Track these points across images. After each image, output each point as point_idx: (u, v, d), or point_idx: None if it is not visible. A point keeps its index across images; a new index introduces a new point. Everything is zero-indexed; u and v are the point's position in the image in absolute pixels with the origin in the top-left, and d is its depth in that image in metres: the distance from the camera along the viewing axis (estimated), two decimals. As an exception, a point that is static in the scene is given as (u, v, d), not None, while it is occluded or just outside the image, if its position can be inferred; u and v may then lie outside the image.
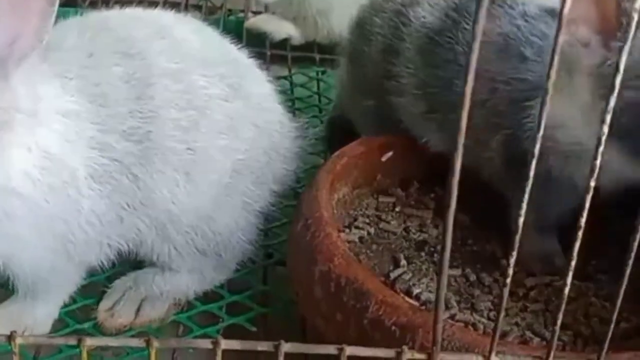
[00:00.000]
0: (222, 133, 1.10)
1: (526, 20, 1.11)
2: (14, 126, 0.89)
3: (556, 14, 0.63)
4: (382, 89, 1.25)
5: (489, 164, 1.12)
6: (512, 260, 0.73)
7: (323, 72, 1.91)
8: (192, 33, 1.16)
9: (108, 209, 1.01)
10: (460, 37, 1.14)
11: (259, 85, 1.23)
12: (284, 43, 2.08)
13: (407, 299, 0.99)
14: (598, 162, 0.68)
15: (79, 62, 1.01)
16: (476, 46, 0.63)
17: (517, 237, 0.71)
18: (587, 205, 0.70)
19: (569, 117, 1.00)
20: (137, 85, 1.03)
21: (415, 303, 1.00)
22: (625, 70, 0.63)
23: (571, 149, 1.02)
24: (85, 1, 2.22)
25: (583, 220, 0.70)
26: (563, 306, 0.75)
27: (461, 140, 0.66)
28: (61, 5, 0.96)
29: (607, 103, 0.64)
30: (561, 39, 0.65)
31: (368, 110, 1.32)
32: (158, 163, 1.03)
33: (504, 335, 0.96)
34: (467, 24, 1.12)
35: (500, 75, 1.09)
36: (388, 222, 1.20)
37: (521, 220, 0.70)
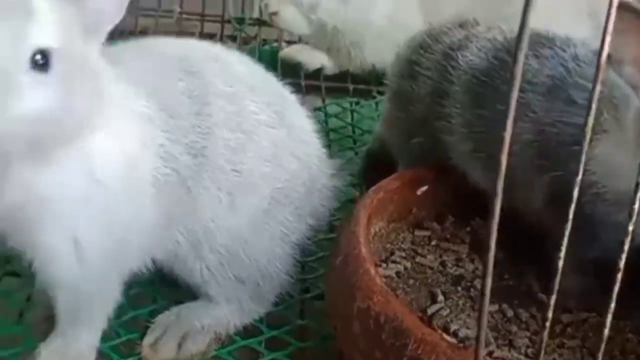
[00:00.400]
0: (266, 160, 1.12)
1: (577, 64, 1.11)
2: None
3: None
4: (430, 127, 1.27)
5: (530, 203, 1.12)
6: (552, 302, 0.74)
7: (357, 103, 1.94)
8: (239, 61, 1.20)
9: (161, 219, 1.04)
10: (506, 78, 1.15)
11: (299, 118, 1.26)
12: (317, 73, 2.11)
13: (445, 336, 1.00)
14: (636, 206, 0.69)
15: (145, 74, 1.05)
16: (515, 87, 0.64)
17: (557, 280, 0.72)
18: (626, 248, 0.71)
19: (619, 163, 0.99)
20: (197, 102, 1.07)
21: (454, 340, 1.01)
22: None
23: (621, 197, 1.00)
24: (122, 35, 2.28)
25: (622, 263, 0.71)
26: (602, 346, 0.75)
27: (500, 183, 0.67)
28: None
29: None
30: (601, 81, 0.66)
31: (413, 146, 1.34)
32: (207, 179, 1.06)
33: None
34: None
35: (547, 118, 1.09)
36: (424, 257, 1.21)
37: (561, 262, 0.72)
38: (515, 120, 0.65)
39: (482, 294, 0.70)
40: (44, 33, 0.87)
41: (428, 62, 1.31)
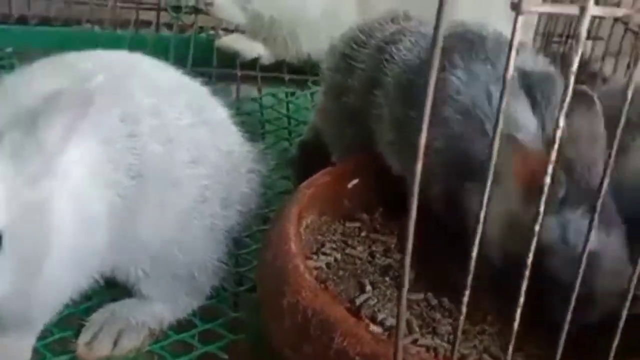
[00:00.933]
0: (191, 162, 1.15)
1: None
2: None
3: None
4: (362, 118, 1.31)
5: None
6: (465, 299, 0.79)
7: (292, 94, 1.96)
8: (153, 66, 1.22)
9: (112, 241, 1.07)
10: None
11: (215, 109, 1.28)
12: (253, 63, 2.13)
13: (371, 326, 1.04)
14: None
15: None
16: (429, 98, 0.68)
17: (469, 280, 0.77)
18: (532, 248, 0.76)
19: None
20: (129, 124, 1.08)
21: (380, 329, 1.05)
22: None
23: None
24: (57, 21, 2.25)
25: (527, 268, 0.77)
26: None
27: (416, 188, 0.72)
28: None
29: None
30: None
31: (347, 137, 1.39)
32: (144, 195, 1.08)
33: (462, 358, 1.02)
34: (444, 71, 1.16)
35: (459, 138, 1.14)
36: (354, 248, 1.24)
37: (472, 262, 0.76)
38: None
39: (400, 285, 0.74)
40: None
41: (362, 56, 1.35)
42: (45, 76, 1.06)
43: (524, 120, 1.10)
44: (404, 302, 0.78)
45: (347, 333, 0.92)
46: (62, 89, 0.92)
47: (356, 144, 1.36)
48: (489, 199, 1.05)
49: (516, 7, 0.66)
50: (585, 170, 1.01)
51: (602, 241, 1.00)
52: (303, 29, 2.07)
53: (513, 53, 0.68)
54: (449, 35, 1.22)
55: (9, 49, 2.00)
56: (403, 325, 0.80)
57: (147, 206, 1.09)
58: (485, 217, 1.05)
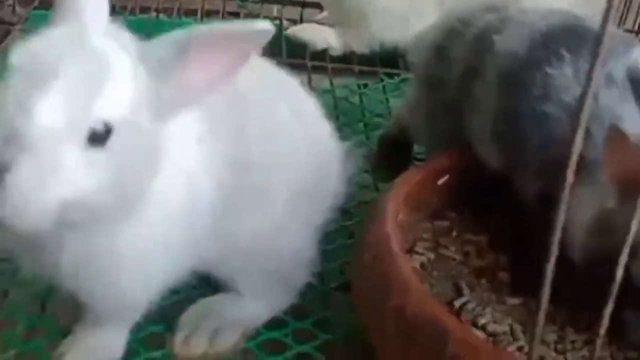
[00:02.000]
0: (288, 163, 1.12)
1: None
2: None
3: None
4: (457, 111, 1.27)
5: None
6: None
7: (364, 86, 1.93)
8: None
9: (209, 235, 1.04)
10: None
11: (308, 104, 1.25)
12: (323, 54, 2.10)
13: (476, 332, 1.01)
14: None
15: None
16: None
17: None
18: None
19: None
20: (238, 115, 1.04)
21: (483, 334, 1.02)
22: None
23: None
24: (125, 10, 2.24)
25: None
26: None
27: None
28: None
29: None
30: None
31: (440, 131, 1.35)
32: (244, 191, 1.05)
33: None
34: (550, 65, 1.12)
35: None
36: (447, 247, 1.21)
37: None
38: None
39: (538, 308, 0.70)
40: (112, 103, 0.81)
41: (460, 46, 1.30)
42: None
43: (631, 121, 1.06)
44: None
45: (462, 342, 0.89)
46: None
47: (448, 138, 1.33)
48: (580, 197, 1.03)
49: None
50: None
51: None
52: (373, 7, 2.03)
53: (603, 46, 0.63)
54: (557, 27, 1.18)
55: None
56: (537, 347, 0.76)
57: (244, 200, 1.06)
58: (573, 217, 1.03)
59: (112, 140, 0.81)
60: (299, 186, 1.14)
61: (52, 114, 0.77)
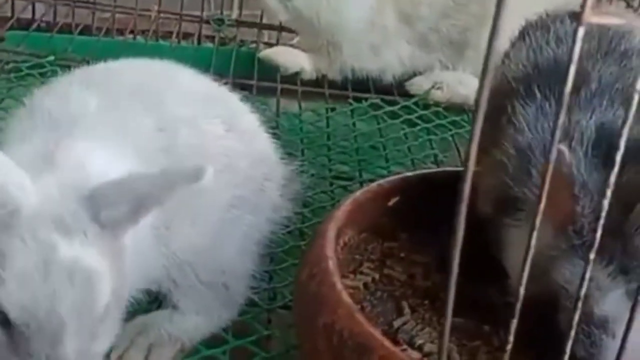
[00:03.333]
0: (221, 172, 1.11)
1: None
2: None
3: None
4: None
5: None
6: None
7: (333, 109, 1.94)
8: (189, 76, 1.22)
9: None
10: None
11: (246, 117, 1.28)
12: (294, 77, 2.11)
13: (409, 351, 1.00)
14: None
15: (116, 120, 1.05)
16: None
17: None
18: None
19: None
20: (165, 137, 1.07)
21: (419, 354, 1.01)
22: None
23: None
24: (100, 31, 2.26)
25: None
26: None
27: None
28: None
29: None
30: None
31: None
32: (177, 209, 1.04)
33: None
34: None
35: None
36: (392, 268, 1.20)
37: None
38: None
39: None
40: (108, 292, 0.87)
41: None
42: (81, 89, 1.06)
43: None
44: (446, 333, 0.74)
45: (385, 358, 0.88)
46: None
47: None
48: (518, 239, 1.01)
49: (577, 18, 0.62)
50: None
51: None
52: (344, 37, 2.04)
53: (573, 67, 0.64)
54: None
55: (51, 57, 2.00)
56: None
57: (179, 215, 1.06)
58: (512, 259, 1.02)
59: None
60: (234, 197, 1.14)
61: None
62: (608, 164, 0.76)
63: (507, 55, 1.25)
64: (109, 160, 0.97)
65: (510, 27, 1.35)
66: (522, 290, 0.73)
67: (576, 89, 1.05)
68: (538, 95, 1.08)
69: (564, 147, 0.93)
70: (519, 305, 0.75)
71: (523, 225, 1.03)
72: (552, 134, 0.66)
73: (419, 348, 1.03)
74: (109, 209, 0.86)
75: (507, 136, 1.09)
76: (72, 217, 0.85)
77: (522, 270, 0.72)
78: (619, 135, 0.66)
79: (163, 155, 1.05)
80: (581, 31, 0.62)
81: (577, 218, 0.94)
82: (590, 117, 1.03)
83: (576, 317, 0.74)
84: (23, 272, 0.82)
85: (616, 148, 0.66)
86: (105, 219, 0.86)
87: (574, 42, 0.63)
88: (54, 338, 0.82)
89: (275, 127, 1.49)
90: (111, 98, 1.07)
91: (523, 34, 1.25)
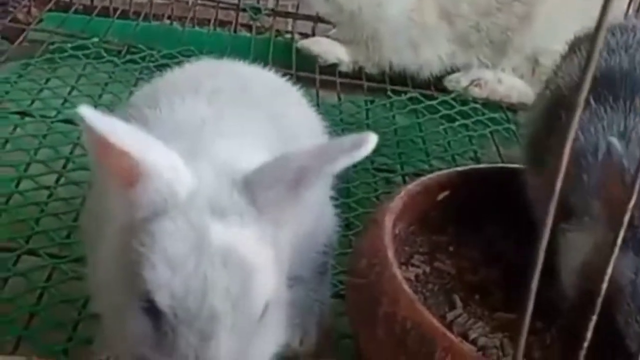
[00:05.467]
0: None
1: None
2: None
3: None
4: None
5: None
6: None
7: (372, 102, 1.94)
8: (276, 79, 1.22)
9: None
10: None
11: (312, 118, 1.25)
12: (333, 68, 2.11)
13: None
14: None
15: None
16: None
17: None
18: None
19: None
20: (288, 144, 1.01)
21: (473, 348, 1.02)
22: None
23: None
24: (138, 15, 2.27)
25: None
26: None
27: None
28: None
29: None
30: None
31: None
32: None
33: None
34: None
35: None
36: (442, 262, 1.21)
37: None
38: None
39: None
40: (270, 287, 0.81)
41: None
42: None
43: None
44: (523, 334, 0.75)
45: (450, 350, 0.89)
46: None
47: None
48: (571, 243, 1.02)
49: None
50: None
51: None
52: (385, 30, 2.05)
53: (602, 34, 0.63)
54: None
55: (95, 39, 2.01)
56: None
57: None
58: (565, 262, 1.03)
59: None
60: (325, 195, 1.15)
61: None
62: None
63: (559, 67, 1.28)
64: (253, 153, 0.90)
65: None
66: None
67: (631, 96, 1.08)
68: (592, 103, 1.10)
69: (614, 139, 0.96)
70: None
71: (576, 229, 1.04)
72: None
73: (473, 342, 1.04)
74: (267, 191, 0.80)
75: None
76: (228, 200, 0.79)
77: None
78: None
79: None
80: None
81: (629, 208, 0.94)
82: None
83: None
84: (174, 256, 0.75)
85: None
86: (263, 202, 0.80)
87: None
88: (205, 332, 0.74)
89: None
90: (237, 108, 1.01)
91: (573, 47, 1.29)
